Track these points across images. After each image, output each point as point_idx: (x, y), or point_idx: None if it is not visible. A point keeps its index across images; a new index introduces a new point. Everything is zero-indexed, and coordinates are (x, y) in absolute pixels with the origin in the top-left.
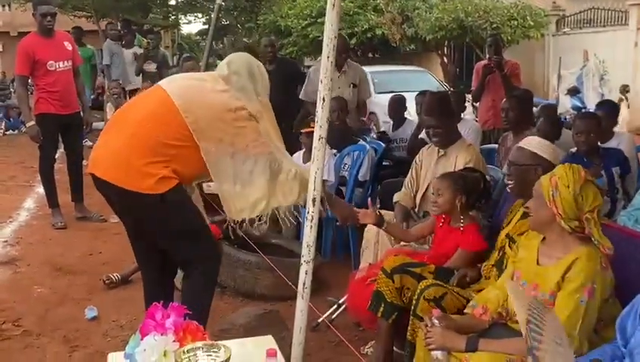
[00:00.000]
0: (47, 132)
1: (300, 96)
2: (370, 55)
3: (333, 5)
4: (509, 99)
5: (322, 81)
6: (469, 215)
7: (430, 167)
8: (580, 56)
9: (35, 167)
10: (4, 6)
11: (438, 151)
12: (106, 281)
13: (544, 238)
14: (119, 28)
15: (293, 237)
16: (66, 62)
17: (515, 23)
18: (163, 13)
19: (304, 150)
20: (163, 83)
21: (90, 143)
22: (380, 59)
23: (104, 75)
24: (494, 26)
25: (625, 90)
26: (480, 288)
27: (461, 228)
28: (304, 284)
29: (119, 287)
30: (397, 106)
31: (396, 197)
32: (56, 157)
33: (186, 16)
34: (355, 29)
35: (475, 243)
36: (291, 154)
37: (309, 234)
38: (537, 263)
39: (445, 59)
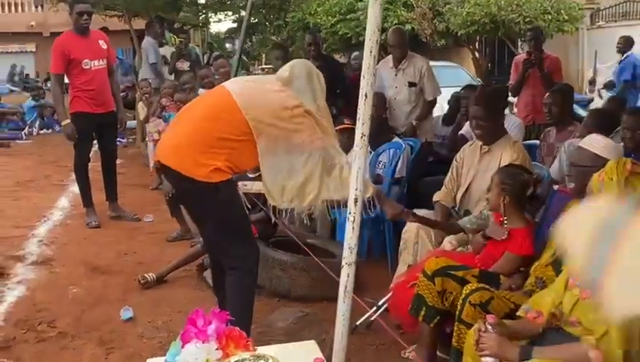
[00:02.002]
0: (82, 131)
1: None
2: None
3: None
4: (552, 93)
5: (364, 76)
6: (519, 216)
7: (473, 164)
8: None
9: (69, 166)
10: (36, 6)
11: (481, 148)
12: (142, 281)
13: None
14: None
15: (328, 236)
16: (101, 60)
17: (549, 16)
18: (193, 11)
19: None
20: (226, 83)
21: (125, 142)
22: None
23: (135, 74)
24: (528, 20)
25: None
26: (528, 290)
27: (506, 229)
28: (346, 287)
29: (155, 287)
30: None
31: (436, 196)
32: (91, 155)
33: (216, 14)
34: (385, 24)
35: (523, 247)
36: None
37: (350, 235)
38: None
39: (477, 54)
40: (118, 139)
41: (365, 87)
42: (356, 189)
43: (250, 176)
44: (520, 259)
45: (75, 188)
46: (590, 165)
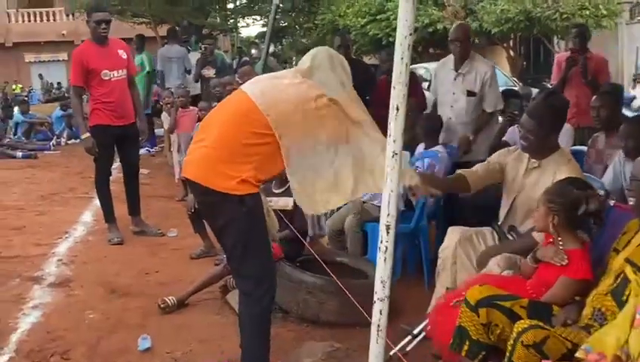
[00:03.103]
0: (103, 144)
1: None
2: (431, 51)
3: None
4: (601, 95)
5: (395, 87)
6: (572, 237)
7: (518, 176)
8: None
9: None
10: (67, 15)
11: (529, 161)
12: (162, 305)
13: None
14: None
15: (360, 253)
16: (120, 71)
17: (587, 12)
18: (221, 16)
19: None
20: (244, 86)
21: (154, 150)
22: (442, 55)
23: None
24: (565, 16)
25: None
26: (585, 325)
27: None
28: (378, 326)
29: (175, 312)
30: None
31: (461, 171)
32: (113, 168)
33: (244, 19)
34: (416, 24)
35: (580, 271)
36: None
37: (383, 268)
38: None
39: (512, 53)
40: (146, 148)
41: (396, 98)
42: (388, 215)
43: (276, 191)
44: (577, 285)
45: (98, 201)
46: None
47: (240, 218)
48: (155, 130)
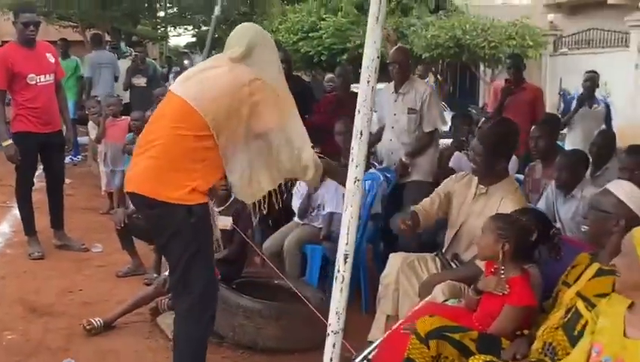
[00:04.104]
0: (26, 152)
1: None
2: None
3: (377, 19)
4: (540, 126)
5: (359, 110)
6: (514, 265)
7: (465, 202)
8: (579, 77)
9: (13, 186)
10: None
11: (478, 188)
12: (87, 327)
13: (632, 304)
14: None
15: (297, 276)
16: (48, 75)
17: (514, 42)
18: (152, 24)
19: None
20: (174, 88)
21: (77, 159)
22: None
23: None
24: (492, 44)
25: None
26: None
27: (504, 281)
28: (331, 360)
29: (102, 335)
30: None
31: (412, 208)
32: (35, 177)
33: (175, 28)
34: (348, 44)
35: (524, 297)
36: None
37: (339, 298)
38: (624, 335)
39: (439, 77)
40: (70, 157)
41: (360, 122)
42: (347, 244)
43: (216, 209)
44: (521, 312)
45: (17, 212)
46: (612, 211)
47: (187, 229)
48: (79, 138)
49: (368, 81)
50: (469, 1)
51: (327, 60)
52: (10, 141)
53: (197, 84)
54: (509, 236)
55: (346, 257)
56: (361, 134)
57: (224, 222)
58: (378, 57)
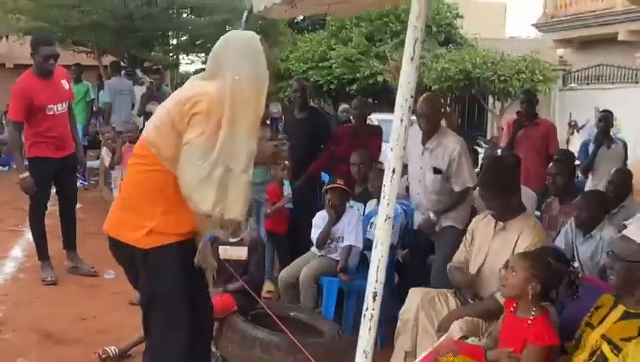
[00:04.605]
0: (41, 177)
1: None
2: (370, 101)
3: (412, 59)
4: (557, 163)
5: (392, 149)
6: (540, 306)
7: (486, 241)
8: (588, 111)
9: (26, 209)
10: (0, 37)
11: (496, 224)
12: (102, 356)
13: None
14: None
15: (313, 308)
16: (64, 104)
17: (524, 76)
18: (164, 51)
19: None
20: (149, 121)
21: (87, 184)
22: (379, 106)
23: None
24: (502, 78)
25: None
26: None
27: (530, 320)
28: None
29: None
30: None
31: (449, 265)
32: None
33: (187, 55)
34: (357, 74)
35: (547, 337)
36: (312, 213)
37: (367, 338)
38: None
39: (448, 109)
40: (81, 181)
41: (394, 160)
42: (376, 281)
43: (231, 240)
44: (545, 351)
45: (30, 236)
46: (637, 260)
47: (144, 273)
48: (88, 163)
49: (401, 120)
50: (478, 34)
51: (336, 89)
52: (27, 173)
53: (157, 114)
54: (539, 276)
55: (375, 295)
56: (393, 172)
57: (239, 252)
58: (412, 97)
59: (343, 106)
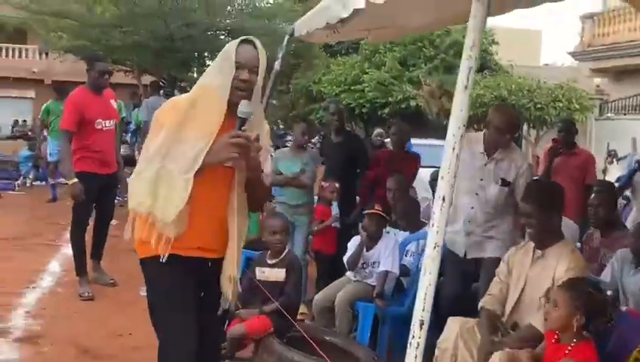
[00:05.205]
0: (85, 192)
1: None
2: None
3: (465, 87)
4: (599, 193)
5: (443, 177)
6: (582, 335)
7: (524, 270)
8: (625, 142)
9: (62, 224)
10: (41, 54)
11: (534, 252)
12: None
13: None
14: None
15: (348, 332)
16: (112, 121)
17: (560, 104)
18: (201, 72)
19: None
20: None
21: (122, 200)
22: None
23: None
24: (539, 106)
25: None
26: None
27: (569, 348)
28: None
29: None
30: None
31: (482, 302)
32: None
33: None
34: (390, 98)
35: None
36: (349, 236)
37: None
38: None
39: None
40: (117, 197)
41: (444, 189)
42: (423, 310)
43: (269, 262)
44: None
45: (67, 251)
46: None
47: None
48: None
49: (453, 148)
50: (513, 61)
51: (367, 113)
52: (76, 179)
53: None
54: (583, 308)
55: (421, 323)
56: (444, 200)
57: (277, 274)
58: (464, 125)
59: (378, 130)
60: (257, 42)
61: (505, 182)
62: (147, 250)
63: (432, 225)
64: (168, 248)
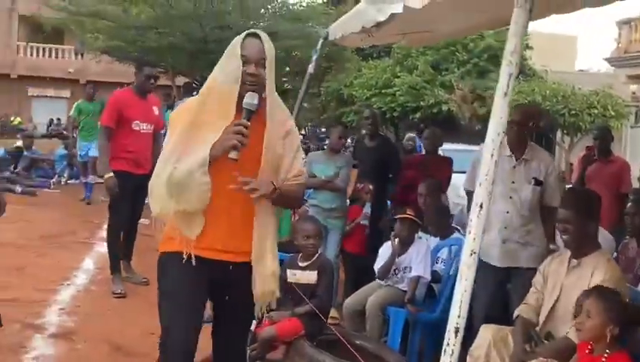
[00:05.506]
0: (122, 192)
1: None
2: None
3: (505, 93)
4: (636, 202)
5: (481, 184)
6: (616, 346)
7: (559, 279)
8: None
9: (96, 223)
10: (77, 54)
11: (570, 261)
12: None
13: None
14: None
15: (379, 336)
16: (149, 125)
17: (595, 111)
18: None
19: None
20: None
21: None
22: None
23: None
24: (573, 112)
25: None
26: None
27: (603, 359)
28: None
29: None
30: None
31: (518, 310)
32: None
33: None
34: (421, 103)
35: None
36: (379, 240)
37: None
38: None
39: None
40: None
41: (481, 196)
42: (458, 316)
43: (301, 264)
44: None
45: (101, 249)
46: None
47: None
48: None
49: (492, 155)
50: (547, 66)
51: (398, 117)
52: (111, 173)
53: None
54: (616, 319)
55: (457, 330)
56: (481, 207)
57: (308, 276)
58: (503, 132)
59: (409, 135)
60: (263, 35)
61: (537, 182)
62: (166, 245)
63: (469, 232)
64: (190, 247)
